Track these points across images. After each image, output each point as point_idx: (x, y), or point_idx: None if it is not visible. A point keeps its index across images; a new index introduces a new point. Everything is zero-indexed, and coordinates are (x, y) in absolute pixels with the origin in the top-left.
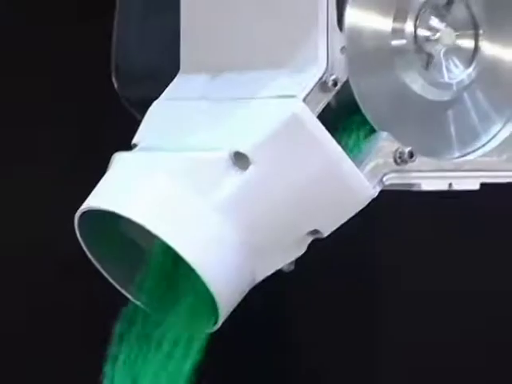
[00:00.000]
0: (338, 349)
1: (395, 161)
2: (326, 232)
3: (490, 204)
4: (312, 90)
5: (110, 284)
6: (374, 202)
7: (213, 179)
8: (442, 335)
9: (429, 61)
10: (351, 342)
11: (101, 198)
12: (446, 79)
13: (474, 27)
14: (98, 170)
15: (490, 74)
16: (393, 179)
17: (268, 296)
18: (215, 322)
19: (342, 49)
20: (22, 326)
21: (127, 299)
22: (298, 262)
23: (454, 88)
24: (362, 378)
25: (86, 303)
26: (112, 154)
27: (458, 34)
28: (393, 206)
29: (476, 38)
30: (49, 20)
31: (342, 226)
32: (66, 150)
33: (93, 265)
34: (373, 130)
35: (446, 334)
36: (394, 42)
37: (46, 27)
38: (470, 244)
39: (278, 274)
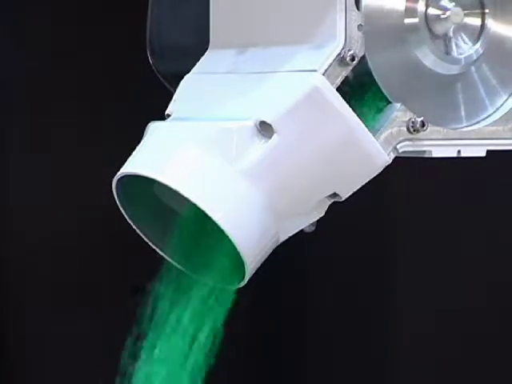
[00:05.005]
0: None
1: (408, 130)
2: (344, 195)
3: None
4: (331, 64)
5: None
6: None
7: (239, 147)
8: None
9: (439, 38)
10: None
11: (137, 164)
12: (455, 54)
13: (480, 6)
14: (135, 137)
15: (496, 50)
16: (406, 147)
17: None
18: (242, 278)
19: (359, 26)
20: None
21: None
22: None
23: (463, 62)
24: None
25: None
26: (148, 123)
27: (465, 12)
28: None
29: (483, 16)
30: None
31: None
32: (108, 118)
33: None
34: (387, 102)
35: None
36: (407, 21)
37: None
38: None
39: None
